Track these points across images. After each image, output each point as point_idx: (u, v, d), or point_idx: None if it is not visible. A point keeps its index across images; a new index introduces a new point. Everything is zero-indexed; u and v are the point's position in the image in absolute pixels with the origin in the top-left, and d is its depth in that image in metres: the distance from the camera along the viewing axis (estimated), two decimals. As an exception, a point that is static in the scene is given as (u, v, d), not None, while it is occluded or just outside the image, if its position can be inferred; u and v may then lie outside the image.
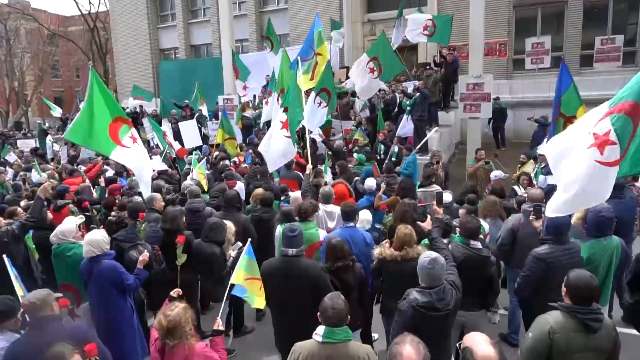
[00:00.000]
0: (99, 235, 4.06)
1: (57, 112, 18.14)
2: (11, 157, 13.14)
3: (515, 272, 4.82)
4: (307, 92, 8.74)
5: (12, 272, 3.80)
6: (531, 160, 8.47)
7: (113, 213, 6.01)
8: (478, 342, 2.21)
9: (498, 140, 13.43)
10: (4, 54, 30.70)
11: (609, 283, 3.93)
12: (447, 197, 5.85)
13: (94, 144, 6.25)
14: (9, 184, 8.67)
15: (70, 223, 4.64)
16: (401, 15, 13.23)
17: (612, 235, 3.98)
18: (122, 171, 9.44)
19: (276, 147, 7.20)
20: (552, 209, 3.51)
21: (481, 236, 4.68)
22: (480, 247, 3.96)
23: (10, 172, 10.03)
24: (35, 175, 9.13)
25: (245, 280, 3.80)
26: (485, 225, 5.18)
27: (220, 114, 13.35)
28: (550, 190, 6.69)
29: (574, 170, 3.31)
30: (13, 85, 31.57)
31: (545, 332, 2.68)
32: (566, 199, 3.38)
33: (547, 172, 7.44)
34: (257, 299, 3.83)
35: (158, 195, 5.89)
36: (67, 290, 4.45)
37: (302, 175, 7.46)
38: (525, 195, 5.92)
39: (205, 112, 15.17)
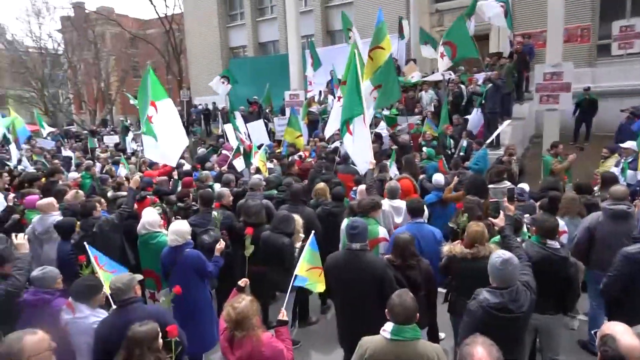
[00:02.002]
0: (184, 226, 4.35)
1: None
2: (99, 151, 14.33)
3: (594, 274, 4.50)
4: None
5: (92, 255, 4.10)
6: (616, 155, 7.79)
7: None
8: (621, 331, 2.14)
9: (577, 133, 12.44)
10: (92, 57, 33.42)
11: None
12: (526, 187, 5.56)
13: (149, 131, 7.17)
14: (99, 177, 9.46)
15: (155, 214, 5.01)
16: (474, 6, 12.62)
17: None
18: (195, 165, 9.99)
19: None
20: None
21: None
22: (558, 246, 3.73)
23: (98, 165, 10.94)
24: (121, 169, 9.89)
25: (307, 271, 3.89)
26: (561, 222, 4.88)
27: (288, 110, 13.66)
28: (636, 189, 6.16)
29: None
30: (100, 86, 34.32)
31: None
32: None
33: (635, 167, 6.83)
34: (318, 285, 3.92)
35: (227, 191, 6.14)
36: (149, 275, 4.82)
37: (359, 170, 7.40)
38: (598, 194, 5.50)
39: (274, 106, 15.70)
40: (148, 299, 4.90)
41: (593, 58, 14.08)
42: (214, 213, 5.28)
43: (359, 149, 6.76)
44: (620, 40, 12.51)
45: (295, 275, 3.85)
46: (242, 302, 2.95)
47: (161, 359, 2.74)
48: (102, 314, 3.43)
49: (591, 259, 4.53)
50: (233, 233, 5.28)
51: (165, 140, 7.24)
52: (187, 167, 9.53)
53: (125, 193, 6.31)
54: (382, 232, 4.89)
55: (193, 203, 6.22)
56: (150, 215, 4.95)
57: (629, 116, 10.23)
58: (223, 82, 16.84)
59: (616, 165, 7.32)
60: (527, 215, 5.01)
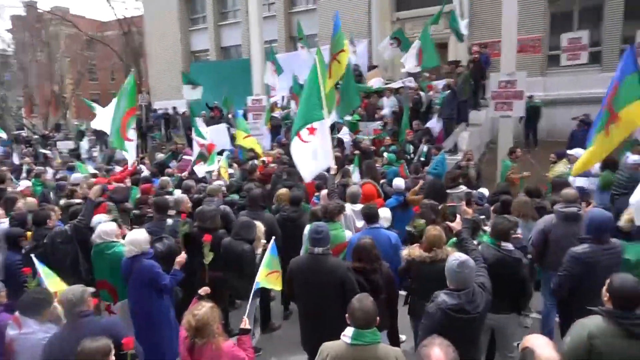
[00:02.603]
0: (140, 235, 4.20)
1: (97, 110, 18.63)
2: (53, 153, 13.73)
3: (549, 274, 4.69)
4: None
5: (40, 269, 3.91)
6: (564, 160, 8.20)
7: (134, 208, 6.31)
8: (541, 345, 2.17)
9: (529, 139, 13.04)
10: (45, 58, 32.03)
11: None
12: (486, 192, 5.74)
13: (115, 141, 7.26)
14: (51, 183, 9.04)
15: (112, 224, 4.80)
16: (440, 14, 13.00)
17: None
18: (157, 172, 9.74)
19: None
20: None
21: (519, 235, 4.58)
22: (512, 248, 3.87)
23: (50, 171, 10.45)
24: (75, 175, 9.49)
25: (267, 277, 3.89)
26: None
27: (250, 115, 13.58)
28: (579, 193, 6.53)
29: None
30: (53, 88, 32.91)
31: (584, 336, 2.60)
32: None
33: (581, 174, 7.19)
34: (271, 284, 3.95)
35: (185, 197, 6.03)
36: (103, 287, 4.61)
37: (326, 175, 7.44)
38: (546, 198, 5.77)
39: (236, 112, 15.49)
40: (103, 312, 4.70)
41: (544, 68, 14.78)
42: (181, 224, 5.13)
43: (316, 155, 6.45)
44: (568, 51, 13.22)
45: (256, 283, 3.84)
46: (202, 309, 2.91)
47: None
48: (52, 329, 3.26)
49: (546, 260, 4.71)
50: (191, 240, 5.15)
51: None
52: (145, 173, 9.27)
53: (79, 200, 6.07)
54: (348, 235, 4.93)
55: (149, 210, 6.05)
56: (106, 225, 4.76)
57: (579, 124, 10.79)
58: (192, 88, 16.67)
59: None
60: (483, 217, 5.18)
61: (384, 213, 4.99)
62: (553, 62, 14.55)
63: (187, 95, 16.70)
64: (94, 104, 14.73)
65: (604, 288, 2.74)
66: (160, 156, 11.80)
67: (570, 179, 7.21)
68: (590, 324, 2.65)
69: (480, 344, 3.48)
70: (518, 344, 2.32)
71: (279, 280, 3.96)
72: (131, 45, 29.88)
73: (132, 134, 7.58)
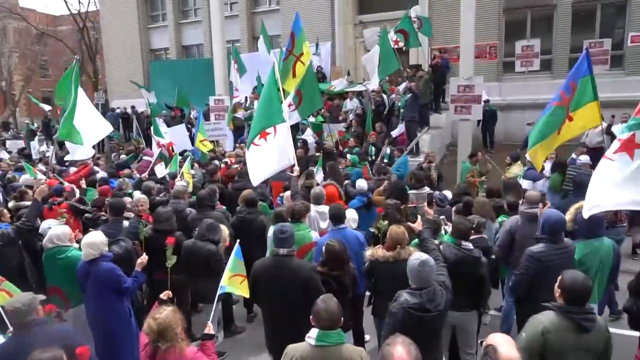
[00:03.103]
0: (98, 238, 4.04)
1: (47, 108, 17.77)
2: (4, 155, 12.99)
3: (513, 272, 4.87)
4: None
5: None
6: (518, 162, 8.57)
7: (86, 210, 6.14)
8: (502, 342, 2.23)
9: (486, 142, 13.53)
10: (-9, 53, 30.34)
11: (602, 285, 3.94)
12: (449, 194, 5.89)
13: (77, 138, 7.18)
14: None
15: (65, 227, 4.60)
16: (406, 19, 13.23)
17: (603, 236, 4.00)
18: (114, 172, 9.40)
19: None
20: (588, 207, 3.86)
21: (484, 236, 4.72)
22: (472, 247, 3.98)
23: (-3, 172, 9.87)
24: (25, 177, 8.99)
25: (230, 279, 3.81)
26: (495, 225, 5.28)
27: (212, 115, 13.35)
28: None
29: (603, 175, 3.77)
30: (0, 85, 31.15)
31: (538, 331, 2.71)
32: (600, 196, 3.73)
33: (527, 175, 7.57)
34: (238, 290, 3.87)
35: (143, 197, 5.89)
36: (54, 293, 4.39)
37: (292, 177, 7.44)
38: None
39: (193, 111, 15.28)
40: (54, 319, 4.48)
41: (500, 73, 15.37)
42: (141, 225, 4.97)
43: (270, 158, 6.30)
44: (522, 58, 13.87)
45: (220, 287, 3.77)
46: (164, 312, 2.82)
47: None
48: None
49: (511, 260, 4.86)
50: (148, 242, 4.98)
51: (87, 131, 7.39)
52: (101, 174, 8.93)
53: (29, 203, 5.78)
54: (315, 236, 4.93)
55: (102, 213, 5.86)
56: (58, 228, 4.54)
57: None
58: (148, 92, 16.38)
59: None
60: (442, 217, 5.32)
61: (351, 214, 5.02)
62: (508, 68, 15.17)
63: (146, 97, 16.36)
64: (43, 104, 14.09)
65: (556, 284, 2.87)
66: (123, 157, 11.38)
67: (522, 181, 7.56)
68: (544, 319, 2.76)
69: (442, 342, 3.56)
70: (482, 342, 2.36)
71: (246, 286, 3.89)
72: (86, 41, 28.71)
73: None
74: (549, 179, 7.50)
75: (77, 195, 7.14)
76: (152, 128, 11.27)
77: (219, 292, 3.72)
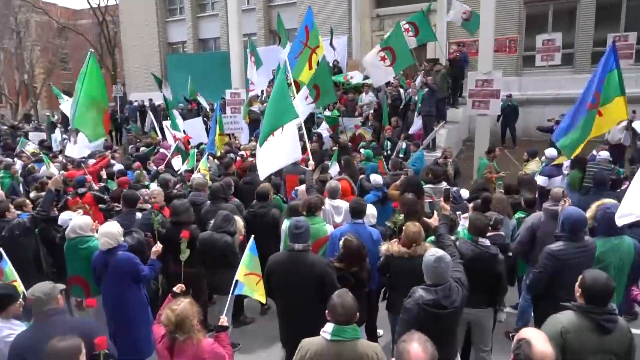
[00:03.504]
0: (114, 228, 4.11)
1: (65, 102, 18.07)
2: (30, 146, 13.25)
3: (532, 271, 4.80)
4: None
5: (5, 264, 3.82)
6: (536, 159, 8.41)
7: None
8: (536, 337, 2.19)
9: (505, 137, 13.28)
10: (14, 46, 30.84)
11: (621, 284, 3.83)
12: (465, 193, 5.81)
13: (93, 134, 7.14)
14: (19, 177, 8.74)
15: (87, 217, 4.69)
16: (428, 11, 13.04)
17: (623, 234, 3.90)
18: (131, 164, 9.52)
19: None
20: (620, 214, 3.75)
21: (501, 233, 4.65)
22: (489, 244, 3.93)
23: (19, 163, 10.10)
24: (44, 169, 9.18)
25: (245, 276, 3.82)
26: (512, 221, 5.21)
27: (228, 109, 13.41)
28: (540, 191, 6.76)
29: None
30: (23, 77, 31.75)
31: (557, 331, 2.64)
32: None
33: (543, 172, 7.42)
34: (256, 293, 3.85)
35: (158, 190, 6.00)
36: (76, 282, 4.50)
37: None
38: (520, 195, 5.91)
39: (204, 104, 15.34)
40: (74, 307, 4.58)
41: (519, 68, 15.07)
42: (153, 215, 5.04)
43: (280, 152, 6.39)
44: (542, 52, 13.54)
45: (236, 281, 3.78)
46: (181, 304, 2.85)
47: None
48: (19, 326, 3.14)
49: (532, 257, 4.77)
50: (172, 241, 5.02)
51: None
52: (117, 166, 9.06)
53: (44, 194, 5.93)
54: (329, 229, 4.91)
55: (116, 204, 5.93)
56: (81, 218, 4.63)
57: (555, 125, 10.96)
58: (165, 86, 16.48)
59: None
60: (463, 215, 5.26)
61: (371, 210, 4.96)
62: (528, 62, 14.86)
63: (163, 91, 16.51)
64: (64, 95, 14.30)
65: (577, 284, 2.80)
66: (142, 149, 11.50)
67: (538, 177, 7.43)
68: (563, 319, 2.70)
69: (457, 338, 3.52)
70: (513, 336, 2.32)
71: (261, 286, 3.85)
72: (105, 35, 29.06)
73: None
74: (568, 175, 7.36)
75: (96, 187, 7.28)
76: (169, 121, 11.38)
77: (236, 291, 3.72)
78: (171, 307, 2.85)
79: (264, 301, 4.01)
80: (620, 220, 3.80)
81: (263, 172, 6.33)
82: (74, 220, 4.60)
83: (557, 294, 3.55)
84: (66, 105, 16.59)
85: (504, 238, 4.72)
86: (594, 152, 8.53)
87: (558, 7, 14.81)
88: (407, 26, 11.59)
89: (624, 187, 6.07)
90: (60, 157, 11.09)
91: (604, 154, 7.69)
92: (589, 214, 4.11)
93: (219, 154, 9.70)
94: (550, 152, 7.85)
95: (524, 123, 13.69)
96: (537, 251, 4.60)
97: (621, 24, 13.92)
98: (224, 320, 3.34)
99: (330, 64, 14.82)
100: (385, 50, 10.52)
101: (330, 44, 15.48)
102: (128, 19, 24.50)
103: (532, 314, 4.29)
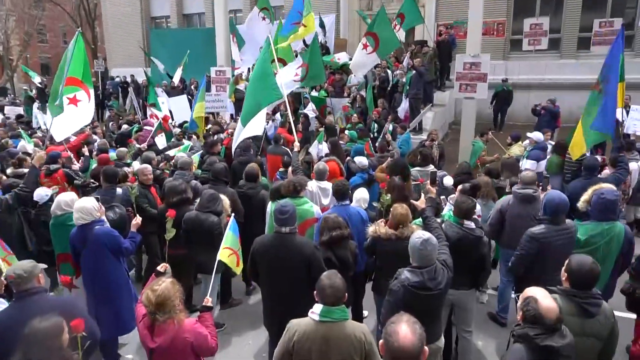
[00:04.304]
0: (89, 203, 4.01)
1: (37, 78, 17.45)
2: None
3: (505, 252, 4.89)
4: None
5: None
6: (519, 143, 8.49)
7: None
8: (542, 294, 2.44)
9: (496, 121, 13.34)
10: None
11: (608, 268, 3.88)
12: (448, 180, 5.81)
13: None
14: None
15: (72, 194, 4.59)
16: None
17: (616, 220, 3.92)
18: (111, 142, 9.31)
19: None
20: None
21: (475, 216, 4.69)
22: (474, 227, 3.96)
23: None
24: (21, 144, 8.89)
25: (229, 257, 3.85)
26: (478, 206, 5.19)
27: (214, 87, 13.15)
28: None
29: None
30: (-3, 49, 30.66)
31: None
32: None
33: (530, 156, 7.50)
34: (228, 262, 3.93)
35: (147, 167, 5.84)
36: (66, 260, 4.42)
37: (289, 151, 7.40)
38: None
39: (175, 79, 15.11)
40: (63, 286, 4.50)
41: (506, 52, 15.09)
42: (130, 189, 5.00)
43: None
44: (530, 36, 13.56)
45: (219, 261, 3.77)
46: (162, 284, 2.81)
47: (66, 358, 2.38)
48: (2, 304, 3.07)
49: (502, 239, 4.91)
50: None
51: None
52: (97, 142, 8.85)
53: (27, 170, 5.75)
54: (316, 210, 4.90)
55: (91, 180, 5.87)
56: (67, 195, 4.53)
57: (544, 109, 11.04)
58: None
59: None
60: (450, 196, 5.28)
61: (362, 194, 4.88)
62: (515, 46, 14.88)
63: (157, 64, 16.13)
64: (34, 72, 13.82)
65: (563, 269, 2.84)
66: (124, 127, 11.22)
67: (525, 161, 7.51)
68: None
69: (441, 320, 3.57)
70: (518, 296, 2.57)
71: (233, 261, 3.91)
72: (85, 6, 28.05)
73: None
74: (547, 159, 7.48)
75: (77, 164, 7.12)
76: (148, 97, 11.11)
77: (216, 263, 3.74)
78: (152, 287, 2.81)
79: (238, 272, 4.03)
80: None
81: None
82: (60, 196, 4.50)
83: (539, 276, 3.62)
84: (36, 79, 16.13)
85: (479, 222, 4.77)
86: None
87: (546, -10, 14.80)
88: (395, 21, 11.47)
89: (604, 172, 6.20)
90: (39, 133, 10.78)
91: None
92: (584, 197, 4.15)
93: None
94: (536, 135, 7.92)
95: (510, 107, 13.78)
96: (507, 233, 4.74)
97: (607, 9, 14.00)
98: (208, 300, 3.32)
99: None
100: (368, 36, 10.39)
101: (321, 25, 15.25)
102: (109, -10, 23.63)
103: (512, 295, 4.37)
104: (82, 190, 5.68)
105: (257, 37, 14.28)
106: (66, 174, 6.22)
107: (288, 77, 8.77)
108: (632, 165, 6.49)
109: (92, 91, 7.71)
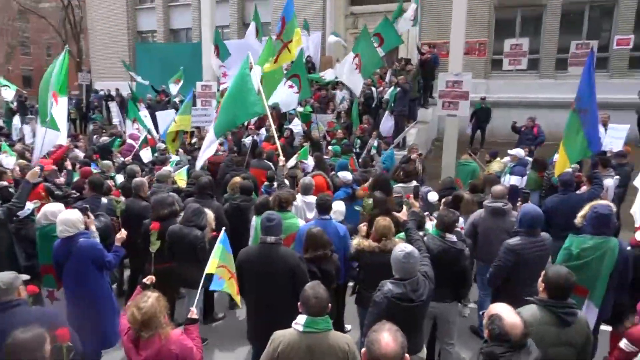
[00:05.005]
0: (73, 215, 3.99)
1: (9, 97, 16.61)
2: None
3: (479, 265, 5.00)
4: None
5: None
6: (497, 159, 8.67)
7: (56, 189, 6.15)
8: (506, 311, 2.43)
9: (473, 138, 13.61)
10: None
11: (602, 285, 3.85)
12: (433, 196, 5.91)
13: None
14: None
15: (58, 204, 4.55)
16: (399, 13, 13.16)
17: (610, 235, 3.94)
18: (92, 155, 9.24)
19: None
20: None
21: (458, 229, 4.78)
22: (455, 240, 4.04)
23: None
24: (4, 157, 8.76)
25: (218, 268, 3.76)
26: (460, 220, 5.30)
27: (199, 101, 13.19)
28: (512, 191, 6.96)
29: None
30: (-21, 61, 30.27)
31: None
32: None
33: (514, 172, 7.67)
34: (229, 289, 3.82)
35: (145, 182, 5.83)
36: (48, 272, 4.34)
37: (272, 166, 7.47)
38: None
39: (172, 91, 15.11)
40: (46, 298, 4.42)
41: (488, 71, 15.50)
42: (115, 200, 4.97)
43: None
44: (510, 56, 13.96)
45: (209, 275, 3.73)
46: (148, 300, 2.76)
47: None
48: None
49: (476, 252, 5.00)
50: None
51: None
52: (80, 155, 8.79)
53: (6, 183, 5.69)
54: (302, 224, 4.93)
55: (72, 191, 5.86)
56: (53, 205, 4.49)
57: (526, 126, 11.32)
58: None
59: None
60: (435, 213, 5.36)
61: (338, 207, 4.99)
62: (496, 66, 15.29)
63: (134, 78, 16.10)
64: (13, 85, 13.67)
65: (540, 279, 2.93)
66: (103, 139, 11.12)
67: (507, 177, 7.67)
68: (527, 313, 2.80)
69: (423, 331, 3.62)
70: (483, 313, 2.53)
71: (234, 285, 3.80)
72: (70, 19, 27.95)
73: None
74: (527, 176, 7.68)
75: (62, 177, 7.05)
76: (128, 111, 11.08)
77: (212, 286, 3.69)
78: (138, 304, 2.76)
79: (238, 301, 3.97)
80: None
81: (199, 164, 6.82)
82: (46, 207, 4.46)
83: (515, 287, 3.72)
84: (8, 93, 15.74)
85: (461, 235, 4.86)
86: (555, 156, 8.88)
87: (526, 13, 15.32)
88: (373, 39, 11.67)
89: (582, 189, 6.37)
90: (18, 146, 10.61)
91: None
92: (581, 213, 4.22)
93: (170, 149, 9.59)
94: (518, 152, 8.11)
95: (491, 125, 14.10)
96: (480, 247, 4.85)
97: (583, 31, 14.55)
98: (193, 312, 3.31)
99: (304, 60, 14.83)
100: (356, 57, 10.59)
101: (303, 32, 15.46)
102: (95, 4, 23.60)
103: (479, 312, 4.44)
104: (64, 202, 5.60)
105: (245, 53, 14.39)
106: (46, 187, 6.15)
107: (286, 93, 8.83)
108: (607, 182, 6.68)
109: (63, 99, 7.66)
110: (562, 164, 6.26)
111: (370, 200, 4.61)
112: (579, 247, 3.90)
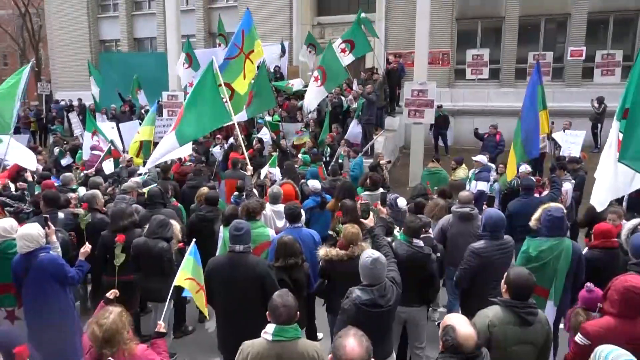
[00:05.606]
0: (34, 230, 3.83)
1: None
2: None
3: (448, 269, 5.12)
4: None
5: None
6: (462, 166, 8.91)
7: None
8: (460, 322, 2.42)
9: (437, 146, 13.94)
10: None
11: (560, 283, 3.99)
12: (402, 202, 6.00)
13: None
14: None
15: (11, 219, 4.34)
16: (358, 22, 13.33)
17: (564, 236, 4.10)
18: (52, 167, 8.94)
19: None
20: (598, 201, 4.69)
21: (430, 235, 4.88)
22: (422, 245, 4.12)
23: None
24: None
25: (185, 280, 3.70)
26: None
27: (165, 111, 13.00)
28: (479, 196, 7.19)
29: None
30: None
31: (485, 325, 2.84)
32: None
33: (479, 178, 7.91)
34: (197, 302, 3.77)
35: (99, 194, 5.67)
36: (6, 291, 4.13)
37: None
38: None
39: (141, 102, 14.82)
40: (4, 320, 4.21)
41: (452, 80, 15.95)
42: (80, 212, 4.81)
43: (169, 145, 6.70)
44: (472, 66, 14.48)
45: (175, 287, 3.66)
46: (110, 316, 2.64)
47: None
48: None
49: (445, 256, 5.08)
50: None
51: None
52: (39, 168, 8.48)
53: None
54: (272, 234, 4.92)
55: (25, 207, 5.69)
56: (5, 221, 4.26)
57: (489, 133, 11.68)
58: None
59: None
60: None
61: (313, 182, 5.01)
62: (459, 75, 15.77)
63: (94, 89, 15.67)
64: None
65: (503, 281, 3.02)
66: (57, 150, 10.73)
67: (473, 183, 7.89)
68: (490, 313, 2.91)
69: (393, 335, 3.66)
70: (439, 323, 2.47)
71: (202, 298, 3.74)
72: (29, 28, 27.06)
73: None
74: (499, 180, 7.96)
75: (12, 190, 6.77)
76: (85, 125, 10.79)
77: (176, 293, 3.63)
78: (99, 320, 2.64)
79: (205, 313, 3.92)
80: (599, 206, 4.66)
81: (149, 164, 6.85)
82: None
83: (481, 290, 3.82)
84: None
85: (432, 240, 4.97)
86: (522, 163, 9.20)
87: (486, 24, 15.89)
88: (343, 46, 11.82)
89: (544, 192, 6.64)
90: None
91: (526, 167, 8.19)
92: (535, 216, 4.38)
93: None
94: (482, 158, 8.36)
95: (455, 132, 14.50)
96: (449, 251, 4.98)
97: (540, 43, 15.21)
98: (160, 326, 3.24)
99: (272, 70, 14.86)
100: (318, 69, 10.70)
101: (282, 51, 15.60)
102: (55, 12, 22.90)
103: (460, 309, 4.54)
104: (16, 218, 5.36)
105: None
106: (1, 202, 5.90)
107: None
108: (566, 185, 6.97)
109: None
110: (511, 167, 6.57)
111: (341, 225, 4.63)
112: (537, 249, 4.03)
